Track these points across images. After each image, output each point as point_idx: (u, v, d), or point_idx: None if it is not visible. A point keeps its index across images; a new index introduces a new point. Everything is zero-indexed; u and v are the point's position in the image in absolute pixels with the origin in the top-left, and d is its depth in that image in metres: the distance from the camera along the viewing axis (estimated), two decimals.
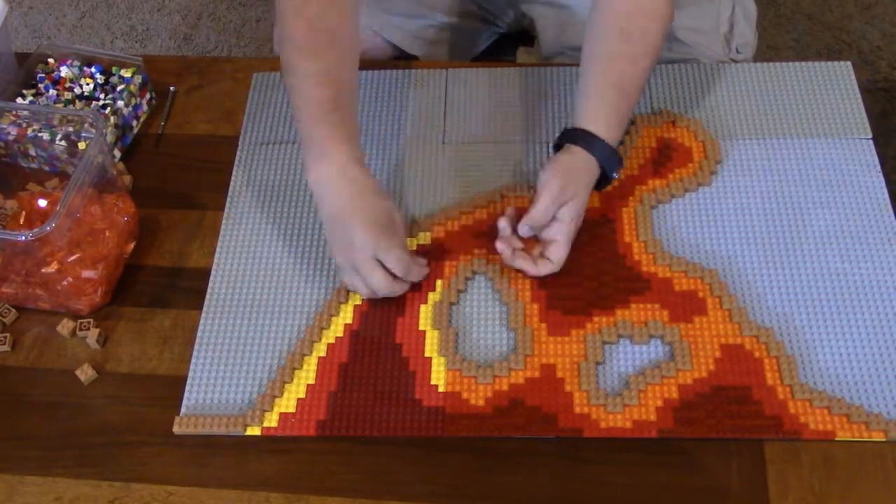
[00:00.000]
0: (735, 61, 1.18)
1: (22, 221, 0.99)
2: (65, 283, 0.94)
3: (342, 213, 0.91)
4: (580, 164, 0.94)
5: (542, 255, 0.95)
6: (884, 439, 0.84)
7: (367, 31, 1.23)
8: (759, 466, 0.84)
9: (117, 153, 1.10)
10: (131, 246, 1.02)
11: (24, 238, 0.88)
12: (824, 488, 0.83)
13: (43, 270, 0.93)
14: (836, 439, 0.85)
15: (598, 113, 0.96)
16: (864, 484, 0.83)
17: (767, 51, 2.04)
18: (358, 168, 0.92)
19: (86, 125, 1.00)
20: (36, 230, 0.88)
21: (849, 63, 1.12)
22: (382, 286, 0.91)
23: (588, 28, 0.99)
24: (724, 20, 1.18)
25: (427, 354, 0.93)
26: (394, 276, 0.92)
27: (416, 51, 1.26)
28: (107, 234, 0.97)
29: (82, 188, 0.92)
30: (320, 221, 1.01)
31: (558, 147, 0.97)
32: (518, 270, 0.96)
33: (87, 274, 0.94)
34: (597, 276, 0.96)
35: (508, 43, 1.31)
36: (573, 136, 0.95)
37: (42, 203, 0.99)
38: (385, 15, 1.24)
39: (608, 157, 0.95)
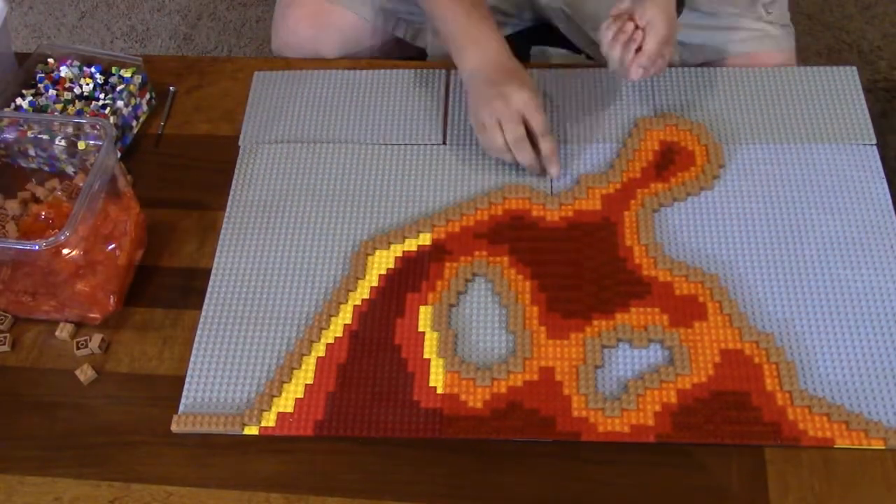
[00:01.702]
0: (768, 21, 1.18)
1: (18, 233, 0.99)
2: (79, 292, 0.94)
3: (502, 75, 1.02)
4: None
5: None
6: (883, 447, 0.85)
7: (373, 23, 1.24)
8: (759, 467, 0.84)
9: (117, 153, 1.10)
10: (140, 253, 1.02)
11: (37, 248, 0.87)
12: (824, 489, 0.83)
13: (57, 280, 0.93)
14: (836, 447, 0.85)
15: None
16: (864, 484, 0.83)
17: None
18: (508, 50, 1.05)
19: (86, 127, 1.00)
20: (50, 239, 0.87)
21: (853, 68, 1.12)
22: (518, 135, 1.00)
23: None
24: None
25: (426, 356, 0.93)
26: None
27: (422, 43, 1.26)
28: (120, 242, 0.97)
29: (94, 198, 0.92)
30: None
31: None
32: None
33: (100, 283, 0.94)
34: (597, 280, 0.96)
35: (522, 42, 1.31)
36: None
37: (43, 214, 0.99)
38: (391, 4, 1.24)
39: None
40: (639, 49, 0.98)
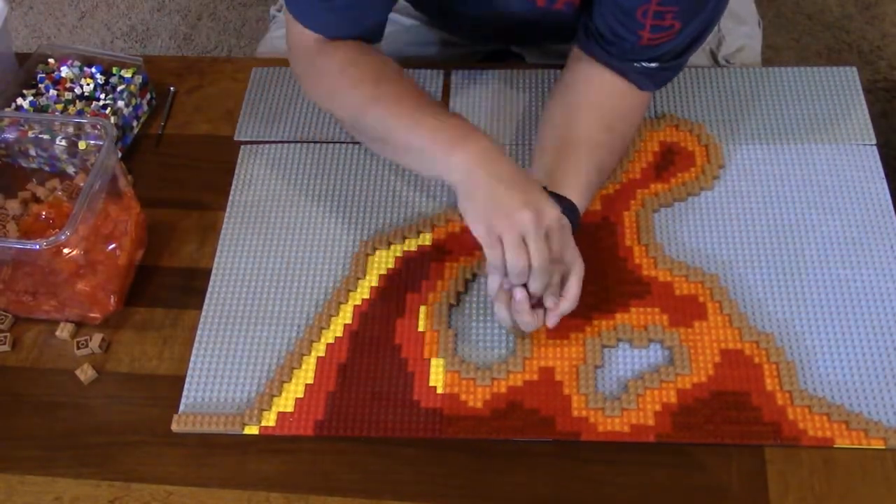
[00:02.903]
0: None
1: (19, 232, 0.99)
2: (80, 292, 0.94)
3: (521, 180, 0.85)
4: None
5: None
6: (883, 447, 0.85)
7: None
8: (759, 466, 0.85)
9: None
10: (140, 253, 1.02)
11: (38, 247, 0.87)
12: (824, 488, 0.83)
13: (58, 280, 0.93)
14: (835, 446, 0.85)
15: (583, 188, 0.95)
16: (864, 484, 0.83)
17: (767, 51, 2.03)
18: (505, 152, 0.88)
19: (87, 127, 1.00)
20: (51, 239, 0.87)
21: (854, 68, 1.12)
22: (544, 257, 0.83)
23: (571, 107, 1.00)
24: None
25: (426, 356, 0.93)
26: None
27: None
28: (121, 242, 0.97)
29: (94, 197, 0.92)
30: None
31: None
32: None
33: (101, 283, 0.94)
34: (597, 280, 0.96)
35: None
36: (559, 203, 0.90)
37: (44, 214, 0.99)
38: None
39: (576, 228, 0.93)
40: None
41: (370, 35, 1.02)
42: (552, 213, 0.84)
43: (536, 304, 0.89)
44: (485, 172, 0.85)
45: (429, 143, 0.89)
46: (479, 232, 0.85)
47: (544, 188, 0.92)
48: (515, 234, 0.83)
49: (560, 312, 0.89)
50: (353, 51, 0.99)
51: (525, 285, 0.86)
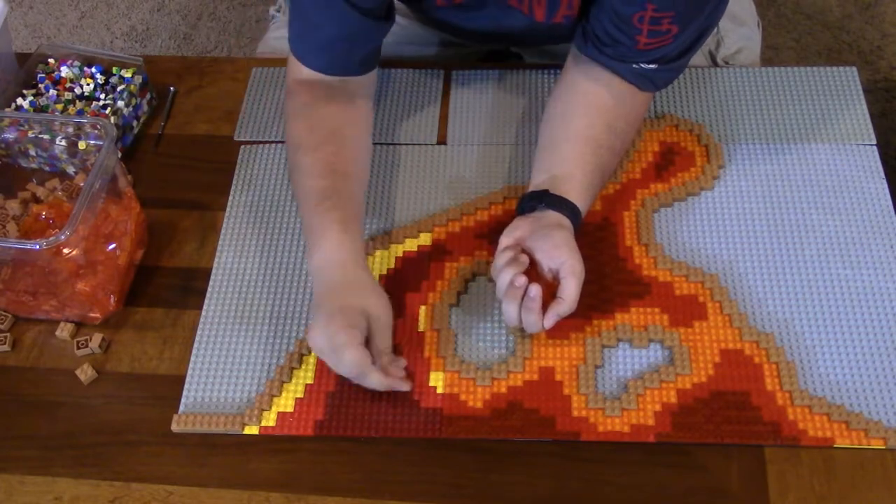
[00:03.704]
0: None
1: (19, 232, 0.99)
2: (80, 292, 0.94)
3: (316, 302, 0.90)
4: (572, 235, 0.92)
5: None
6: (883, 447, 0.85)
7: None
8: (759, 466, 0.85)
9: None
10: (140, 253, 1.02)
11: (38, 247, 0.87)
12: (824, 488, 0.83)
13: (58, 280, 0.93)
14: (835, 446, 0.85)
15: (584, 189, 0.95)
16: (865, 484, 0.83)
17: (767, 51, 2.04)
18: (346, 255, 0.92)
19: (87, 127, 1.00)
20: (51, 239, 0.87)
21: (853, 68, 1.12)
22: (346, 373, 0.87)
23: (571, 107, 1.00)
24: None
25: (426, 356, 0.93)
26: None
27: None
28: (121, 242, 0.97)
29: (94, 197, 0.92)
30: None
31: (530, 207, 0.95)
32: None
33: (101, 283, 0.94)
34: (597, 280, 0.96)
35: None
36: (561, 204, 0.93)
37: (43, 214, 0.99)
38: None
39: (577, 229, 0.94)
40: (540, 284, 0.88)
41: (358, 69, 1.02)
42: (350, 360, 0.85)
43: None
44: (315, 288, 0.92)
45: (303, 235, 0.97)
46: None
47: (546, 190, 0.93)
48: (332, 365, 0.88)
49: (558, 313, 0.88)
50: (308, 97, 1.01)
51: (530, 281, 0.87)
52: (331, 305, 0.88)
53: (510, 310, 0.89)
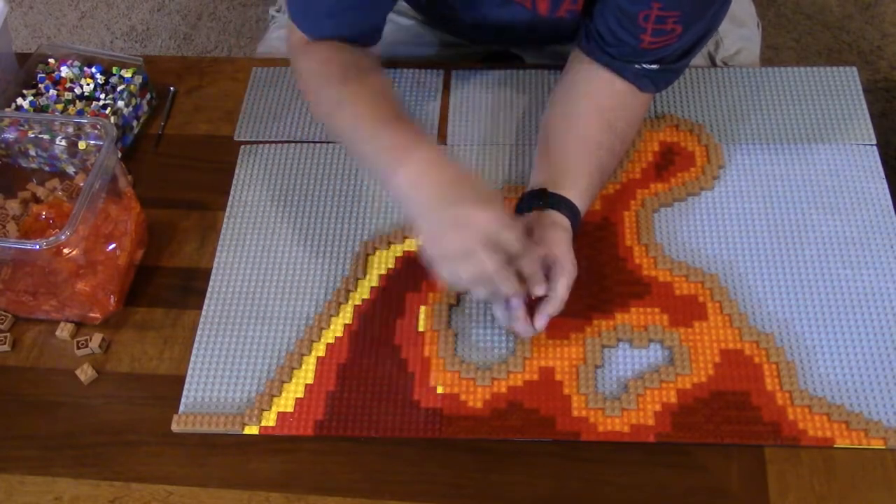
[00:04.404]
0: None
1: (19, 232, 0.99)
2: (80, 292, 0.94)
3: (449, 194, 0.83)
4: (569, 235, 0.92)
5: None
6: (883, 447, 0.85)
7: None
8: (759, 466, 0.85)
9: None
10: (140, 253, 1.02)
11: (38, 247, 0.87)
12: (824, 488, 0.83)
13: (58, 280, 0.93)
14: (836, 446, 0.85)
15: (584, 188, 0.95)
16: (865, 484, 0.83)
17: (767, 51, 2.04)
18: (447, 157, 0.88)
19: (87, 127, 1.00)
20: (51, 239, 0.87)
21: (854, 68, 1.12)
22: (496, 264, 0.81)
23: (571, 107, 1.00)
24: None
25: (426, 356, 0.93)
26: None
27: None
28: (121, 242, 0.97)
29: (94, 197, 0.92)
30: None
31: (529, 206, 0.94)
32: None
33: (101, 283, 0.94)
34: (597, 280, 0.96)
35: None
36: (560, 204, 0.92)
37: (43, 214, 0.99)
38: None
39: (576, 229, 0.94)
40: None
41: (364, 38, 1.02)
42: (485, 218, 0.81)
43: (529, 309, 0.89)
44: (423, 191, 0.85)
45: (376, 160, 0.90)
46: (432, 253, 0.84)
47: (545, 189, 0.93)
48: (459, 251, 0.82)
49: (548, 313, 0.88)
50: (327, 51, 0.99)
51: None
52: (473, 190, 0.84)
53: (498, 312, 0.89)
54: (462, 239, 0.81)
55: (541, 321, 0.88)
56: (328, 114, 0.98)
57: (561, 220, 0.92)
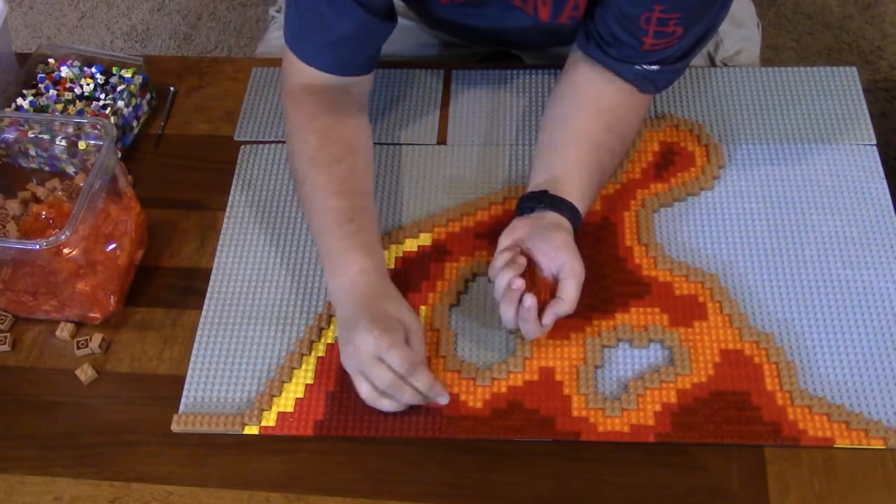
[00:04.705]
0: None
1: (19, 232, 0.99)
2: (80, 292, 0.94)
3: (350, 318, 0.89)
4: (571, 237, 0.92)
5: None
6: (883, 447, 0.85)
7: None
8: (759, 466, 0.85)
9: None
10: (140, 253, 1.02)
11: (38, 247, 0.87)
12: (824, 488, 0.83)
13: (58, 280, 0.93)
14: (836, 446, 0.85)
15: (584, 189, 0.95)
16: (865, 484, 0.83)
17: (767, 51, 2.04)
18: (373, 276, 0.91)
19: (87, 127, 1.00)
20: (51, 239, 0.87)
21: (854, 68, 1.12)
22: (386, 382, 0.85)
23: (571, 108, 1.00)
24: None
25: (426, 356, 0.92)
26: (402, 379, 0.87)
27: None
28: (121, 242, 0.97)
29: (94, 197, 0.92)
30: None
31: (529, 207, 0.94)
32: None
33: (101, 283, 0.94)
34: (597, 280, 0.96)
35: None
36: (560, 205, 0.93)
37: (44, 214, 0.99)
38: None
39: (577, 230, 0.94)
40: (540, 290, 0.89)
41: (358, 69, 1.02)
42: (367, 342, 0.85)
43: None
44: (341, 309, 0.91)
45: (320, 256, 0.97)
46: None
47: (546, 191, 0.93)
48: (353, 369, 0.88)
49: (556, 313, 0.88)
50: (315, 104, 0.99)
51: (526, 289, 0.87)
52: (369, 315, 0.87)
53: (507, 313, 0.89)
54: (356, 361, 0.87)
55: (548, 319, 0.88)
56: (296, 180, 1.00)
57: (561, 221, 0.92)
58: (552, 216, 0.92)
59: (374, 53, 1.02)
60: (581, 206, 0.94)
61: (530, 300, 0.86)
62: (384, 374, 0.85)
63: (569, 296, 0.88)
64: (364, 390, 0.87)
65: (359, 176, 0.98)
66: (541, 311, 0.88)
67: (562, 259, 0.88)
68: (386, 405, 0.87)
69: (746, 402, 0.87)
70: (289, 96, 1.02)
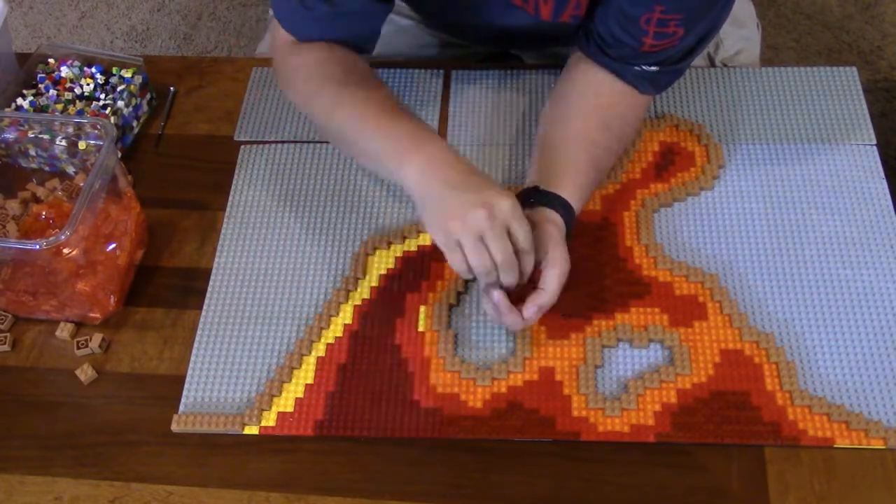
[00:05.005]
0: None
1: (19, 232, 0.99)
2: (80, 292, 0.94)
3: (471, 179, 0.85)
4: (562, 232, 0.92)
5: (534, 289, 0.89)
6: (883, 447, 0.85)
7: None
8: (759, 466, 0.85)
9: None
10: (140, 253, 1.02)
11: (38, 247, 0.87)
12: (824, 488, 0.83)
13: (58, 280, 0.93)
14: (836, 446, 0.85)
15: (578, 186, 0.95)
16: (865, 484, 0.83)
17: (767, 51, 2.04)
18: (457, 152, 0.88)
19: (87, 127, 1.00)
20: (51, 239, 0.87)
21: (854, 68, 1.12)
22: (507, 253, 0.82)
23: (569, 107, 1.00)
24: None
25: (426, 356, 0.93)
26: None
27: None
28: (121, 242, 0.97)
29: (94, 197, 0.92)
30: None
31: (524, 203, 0.93)
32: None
33: (101, 283, 0.94)
34: (597, 280, 0.96)
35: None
36: (552, 200, 0.93)
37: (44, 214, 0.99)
38: None
39: (570, 226, 0.94)
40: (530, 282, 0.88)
41: (361, 42, 1.01)
42: (505, 205, 0.82)
43: (517, 300, 0.88)
44: (435, 179, 0.86)
45: (383, 153, 0.90)
46: (438, 239, 0.85)
47: (537, 187, 0.93)
48: (472, 235, 0.82)
49: (538, 304, 0.87)
50: (322, 51, 0.99)
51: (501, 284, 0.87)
52: (488, 178, 0.86)
53: (487, 307, 0.89)
54: (477, 222, 0.82)
55: (529, 311, 0.87)
56: (326, 114, 0.97)
57: (552, 216, 0.91)
58: (544, 212, 0.92)
59: (373, 33, 1.02)
60: (574, 201, 0.93)
61: (497, 295, 0.86)
62: (507, 245, 0.82)
63: (550, 286, 0.87)
64: (485, 261, 0.83)
65: (393, 93, 0.97)
66: (518, 304, 0.88)
67: (546, 250, 0.88)
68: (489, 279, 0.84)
69: (746, 402, 0.87)
70: (284, 50, 1.01)
